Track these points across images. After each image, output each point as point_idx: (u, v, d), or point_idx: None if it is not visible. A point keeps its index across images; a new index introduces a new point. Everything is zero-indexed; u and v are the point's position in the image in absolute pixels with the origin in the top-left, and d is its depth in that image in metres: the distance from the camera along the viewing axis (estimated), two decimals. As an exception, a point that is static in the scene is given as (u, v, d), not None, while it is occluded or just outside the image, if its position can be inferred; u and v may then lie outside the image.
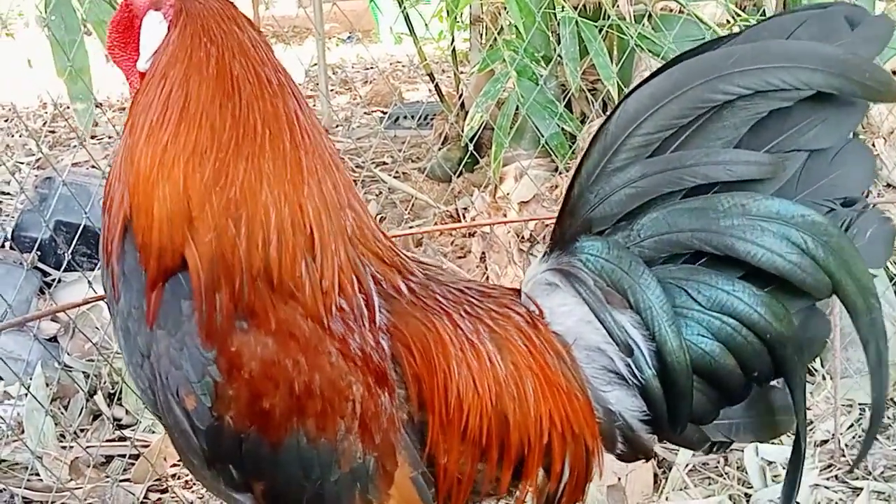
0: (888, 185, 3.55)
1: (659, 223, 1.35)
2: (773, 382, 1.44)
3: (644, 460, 1.52)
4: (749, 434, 1.49)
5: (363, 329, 1.28)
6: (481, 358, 1.35)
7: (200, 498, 2.59)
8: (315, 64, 6.63)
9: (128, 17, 1.33)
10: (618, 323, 1.37)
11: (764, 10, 3.74)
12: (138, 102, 1.29)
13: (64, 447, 2.79)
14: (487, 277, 3.49)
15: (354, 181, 4.53)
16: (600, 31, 3.63)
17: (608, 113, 1.39)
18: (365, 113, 6.77)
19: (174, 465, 2.72)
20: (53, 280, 3.37)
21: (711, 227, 1.32)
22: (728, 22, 3.68)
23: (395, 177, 4.55)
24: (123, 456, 2.77)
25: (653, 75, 1.36)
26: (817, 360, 2.65)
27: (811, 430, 2.27)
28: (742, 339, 1.35)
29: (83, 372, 3.12)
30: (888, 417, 2.76)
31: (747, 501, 2.39)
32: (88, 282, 2.76)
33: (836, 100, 1.31)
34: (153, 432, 2.86)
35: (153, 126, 1.25)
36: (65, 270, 3.33)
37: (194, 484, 2.65)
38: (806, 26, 1.32)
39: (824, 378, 2.85)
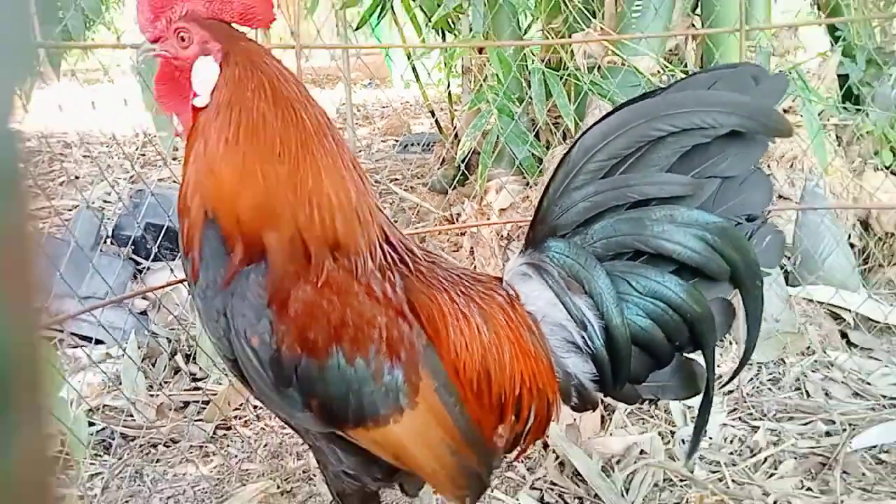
0: (779, 196, 3.55)
1: (607, 229, 1.39)
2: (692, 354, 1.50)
3: (592, 410, 1.55)
4: (672, 393, 1.55)
5: (384, 281, 1.31)
6: (471, 327, 1.37)
7: (256, 433, 2.59)
8: (343, 103, 6.64)
9: (171, 70, 1.29)
10: (576, 305, 1.41)
11: (686, 64, 3.74)
12: (209, 126, 1.27)
13: (152, 395, 2.79)
14: (475, 266, 3.50)
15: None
16: (561, 78, 3.63)
17: (570, 144, 1.45)
18: (381, 141, 6.78)
19: (236, 409, 2.72)
20: (144, 268, 3.37)
21: (646, 232, 1.37)
22: (658, 72, 3.68)
23: (404, 190, 4.56)
24: (197, 402, 2.77)
25: (605, 116, 1.41)
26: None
27: (720, 382, 2.27)
28: (669, 317, 1.40)
29: (166, 338, 3.12)
30: (779, 373, 2.77)
31: (672, 436, 2.40)
32: (171, 269, 2.75)
33: (743, 138, 1.37)
34: (220, 384, 2.86)
35: (229, 142, 1.25)
36: (153, 260, 3.33)
37: (250, 423, 2.65)
38: (722, 81, 1.38)
39: (731, 343, 2.85)
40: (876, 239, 3.57)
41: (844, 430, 2.38)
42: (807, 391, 2.66)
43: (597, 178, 1.38)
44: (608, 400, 1.57)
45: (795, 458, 2.27)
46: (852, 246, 3.54)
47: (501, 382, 1.38)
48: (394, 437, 1.31)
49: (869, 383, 2.67)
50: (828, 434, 2.38)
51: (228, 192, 1.25)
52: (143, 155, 6.72)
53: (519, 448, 1.49)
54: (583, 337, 1.42)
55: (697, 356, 1.50)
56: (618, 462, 2.26)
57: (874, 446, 2.29)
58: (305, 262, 1.26)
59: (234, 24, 1.31)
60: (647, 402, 1.59)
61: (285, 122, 1.27)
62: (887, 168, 3.72)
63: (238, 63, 1.26)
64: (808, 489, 2.14)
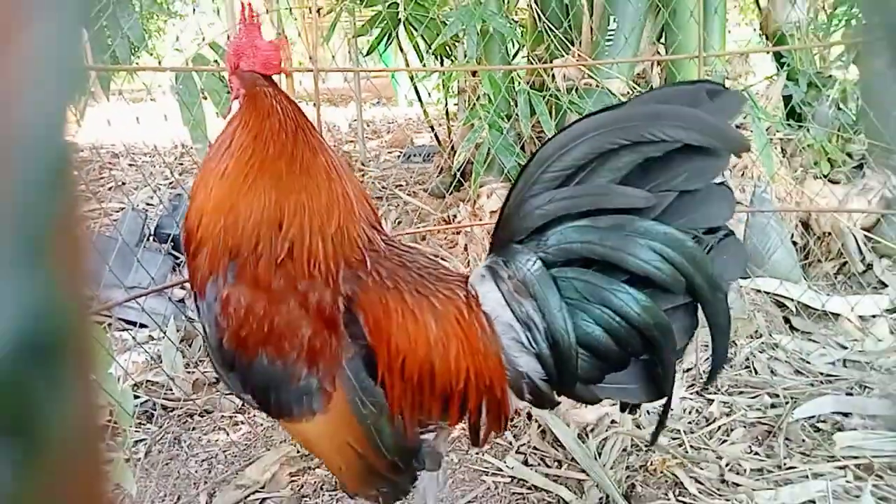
0: (733, 201, 3.55)
1: (558, 236, 1.26)
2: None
3: (550, 408, 1.42)
4: (632, 396, 1.38)
5: (324, 291, 1.26)
6: (418, 324, 1.29)
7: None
8: (355, 119, 6.63)
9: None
10: (522, 307, 1.29)
11: (651, 86, 3.74)
12: (211, 159, 1.34)
13: (188, 372, 2.79)
14: (469, 261, 3.50)
15: (379, 197, 4.53)
16: (544, 98, 3.63)
17: (529, 156, 1.30)
18: (388, 152, 6.76)
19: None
20: (182, 262, 3.36)
21: (594, 240, 1.24)
22: (628, 93, 3.68)
23: (408, 194, 4.54)
24: (228, 378, 2.77)
25: (563, 128, 1.27)
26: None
27: (680, 361, 2.25)
28: (617, 324, 1.26)
29: (201, 322, 3.11)
30: (731, 353, 2.78)
31: (638, 408, 2.40)
32: (205, 263, 2.75)
33: (703, 153, 1.22)
34: (247, 362, 2.86)
35: (211, 164, 1.31)
36: (189, 255, 3.31)
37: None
38: (677, 96, 1.25)
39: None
40: (815, 238, 3.58)
41: (787, 402, 2.38)
42: (755, 369, 2.66)
43: (551, 187, 1.24)
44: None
45: (745, 427, 2.28)
46: (795, 244, 3.55)
47: (446, 377, 1.30)
48: (306, 433, 1.30)
49: (808, 362, 2.68)
50: (773, 406, 2.38)
51: (202, 208, 1.30)
52: (181, 164, 6.70)
53: (480, 438, 1.38)
54: (527, 337, 1.30)
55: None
56: (591, 430, 2.27)
57: (812, 416, 2.29)
58: (252, 273, 1.25)
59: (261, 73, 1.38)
60: (625, 409, 1.42)
61: (257, 155, 1.29)
62: (825, 176, 3.73)
63: (247, 107, 1.33)
64: (756, 454, 2.14)
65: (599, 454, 2.14)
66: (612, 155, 1.22)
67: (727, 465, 2.08)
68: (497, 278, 1.32)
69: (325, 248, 1.28)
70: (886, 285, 3.27)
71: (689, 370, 2.63)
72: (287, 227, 1.26)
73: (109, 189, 5.71)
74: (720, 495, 1.94)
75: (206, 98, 2.70)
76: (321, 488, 2.08)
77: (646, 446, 2.17)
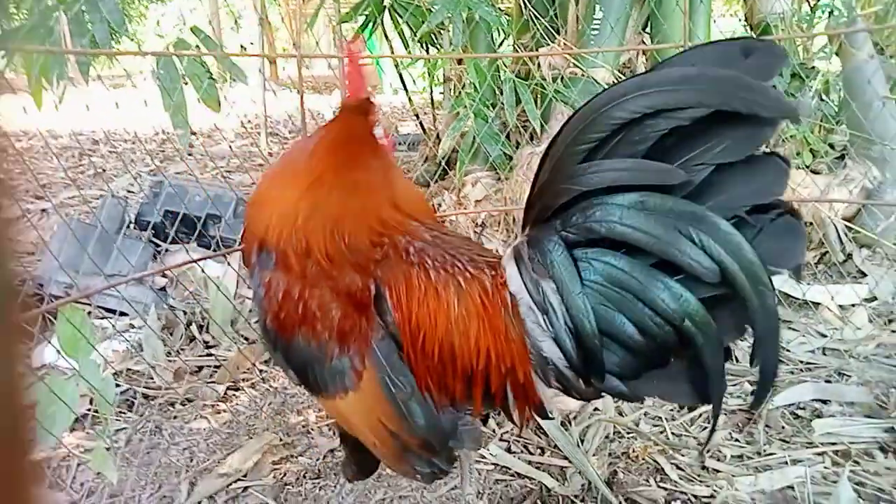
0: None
1: (580, 214, 1.16)
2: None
3: (586, 400, 1.33)
4: (676, 398, 1.29)
5: (354, 275, 1.31)
6: (440, 301, 1.30)
7: (261, 394, 2.58)
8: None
9: None
10: (539, 288, 1.22)
11: (636, 75, 3.75)
12: (289, 161, 1.44)
13: (170, 360, 2.77)
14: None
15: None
16: (529, 86, 3.63)
17: (554, 134, 1.20)
18: (373, 141, 6.71)
19: (244, 373, 2.71)
20: (162, 250, 3.34)
21: (612, 219, 1.13)
22: (613, 82, 3.68)
23: (392, 183, 4.53)
24: (210, 366, 2.75)
25: (590, 99, 1.15)
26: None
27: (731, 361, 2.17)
28: (641, 313, 1.14)
29: (182, 310, 3.09)
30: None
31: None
32: (186, 251, 2.73)
33: (743, 121, 1.06)
34: (229, 351, 2.84)
35: (283, 168, 1.43)
36: (170, 243, 3.29)
37: (257, 385, 2.65)
38: (707, 57, 1.09)
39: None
40: (797, 228, 3.61)
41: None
42: (736, 357, 2.69)
43: (574, 162, 1.14)
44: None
45: (725, 414, 2.30)
46: (777, 234, 3.58)
47: (467, 356, 1.29)
48: (341, 410, 1.34)
49: (788, 350, 2.71)
50: (752, 393, 2.41)
51: (259, 201, 1.39)
52: (163, 151, 6.64)
53: (516, 420, 1.36)
54: (545, 321, 1.23)
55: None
56: (574, 417, 2.28)
57: (792, 403, 2.32)
58: (289, 261, 1.32)
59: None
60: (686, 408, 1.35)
61: (323, 165, 1.36)
62: (807, 167, 3.76)
63: (332, 127, 1.42)
64: (736, 440, 2.17)
65: (582, 441, 2.16)
66: (635, 126, 1.09)
67: (708, 451, 2.10)
68: (519, 259, 1.27)
69: (359, 242, 1.33)
70: (866, 275, 3.31)
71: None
72: (333, 230, 1.32)
73: (89, 176, 5.64)
74: (701, 481, 1.97)
75: (186, 83, 2.67)
76: (304, 476, 2.08)
77: (628, 433, 2.19)
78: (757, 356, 1.13)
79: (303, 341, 1.30)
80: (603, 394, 1.28)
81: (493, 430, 2.25)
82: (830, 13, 4.06)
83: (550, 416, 1.38)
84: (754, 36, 4.04)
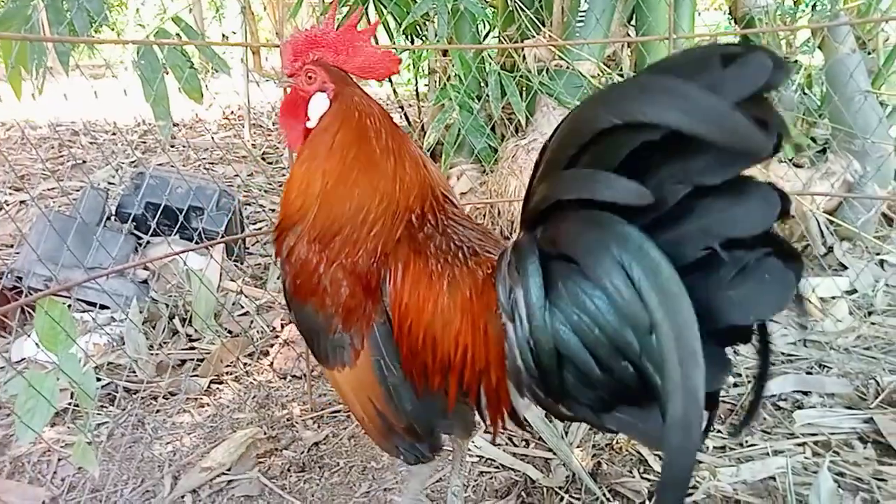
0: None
1: (554, 224, 1.07)
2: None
3: (560, 419, 1.29)
4: (648, 440, 1.22)
5: (368, 259, 1.35)
6: (431, 290, 1.30)
7: (245, 387, 2.57)
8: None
9: (295, 99, 1.45)
10: (512, 295, 1.14)
11: (622, 68, 3.75)
12: (311, 144, 1.42)
13: (152, 354, 2.75)
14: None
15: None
16: (514, 79, 3.63)
17: (551, 133, 1.09)
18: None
19: (227, 366, 2.69)
20: (144, 242, 3.30)
21: (573, 234, 1.03)
22: (598, 75, 3.69)
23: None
24: (193, 360, 2.73)
25: (581, 103, 1.05)
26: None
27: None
28: (595, 337, 1.03)
29: (165, 303, 3.07)
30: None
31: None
32: (168, 243, 2.71)
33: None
34: (213, 344, 2.83)
35: (308, 154, 1.42)
36: (152, 235, 3.26)
37: (241, 378, 2.63)
38: (685, 64, 0.89)
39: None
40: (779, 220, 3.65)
41: (749, 381, 2.44)
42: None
43: (555, 169, 1.04)
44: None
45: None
46: (759, 226, 3.61)
47: (446, 348, 1.28)
48: (337, 381, 1.41)
49: (770, 342, 2.74)
50: (735, 385, 2.44)
51: (296, 184, 1.41)
52: (144, 142, 6.57)
53: (487, 426, 1.35)
54: (513, 329, 1.15)
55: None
56: (559, 410, 2.29)
57: (773, 395, 2.35)
58: (315, 237, 1.38)
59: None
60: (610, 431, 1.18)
61: (358, 152, 1.38)
62: (789, 160, 3.80)
63: (342, 102, 1.41)
64: (719, 431, 2.19)
65: (566, 433, 2.17)
66: (608, 138, 0.95)
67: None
68: (503, 261, 1.20)
69: (381, 228, 1.36)
70: (846, 267, 3.35)
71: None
72: (366, 215, 1.36)
73: (69, 167, 5.56)
74: (683, 472, 1.98)
75: (167, 73, 2.64)
76: (288, 470, 2.08)
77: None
78: (662, 466, 0.93)
79: (312, 310, 1.38)
80: (572, 418, 1.19)
81: (478, 423, 2.26)
82: (813, 7, 4.09)
83: (525, 424, 1.36)
84: (737, 34, 4.07)
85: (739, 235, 0.92)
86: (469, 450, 2.12)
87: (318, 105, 1.43)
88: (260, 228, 4.27)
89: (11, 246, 3.80)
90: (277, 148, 6.39)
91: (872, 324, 2.85)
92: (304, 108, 1.44)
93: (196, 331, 2.96)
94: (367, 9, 4.02)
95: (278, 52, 2.23)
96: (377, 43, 4.70)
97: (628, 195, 0.93)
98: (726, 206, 0.92)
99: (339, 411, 2.37)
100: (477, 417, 1.39)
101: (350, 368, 1.36)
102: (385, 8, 3.93)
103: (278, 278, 1.48)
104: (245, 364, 2.72)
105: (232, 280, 3.33)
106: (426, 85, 4.56)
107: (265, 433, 2.26)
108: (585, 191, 0.98)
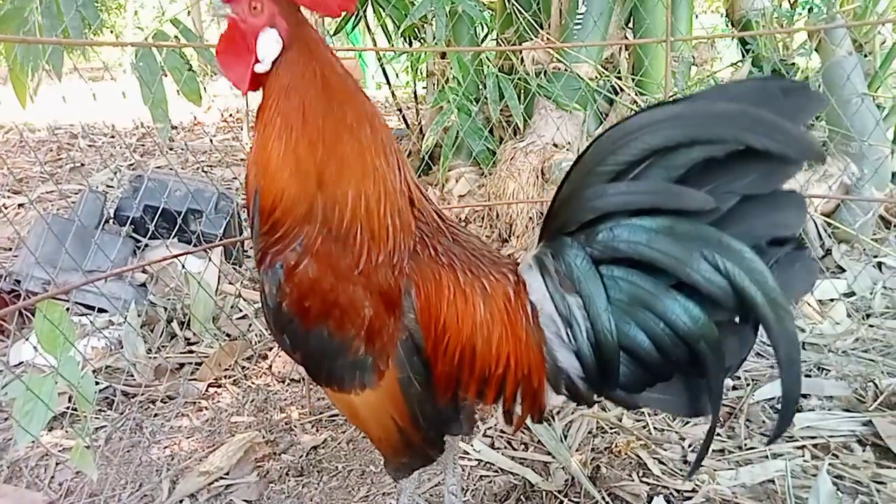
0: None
1: (608, 233, 1.18)
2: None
3: (587, 406, 1.36)
4: (673, 409, 1.33)
5: (389, 272, 1.26)
6: (468, 304, 1.29)
7: (243, 391, 2.56)
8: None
9: (236, 33, 1.23)
10: (564, 302, 1.25)
11: (619, 70, 3.75)
12: (271, 107, 1.23)
13: (150, 358, 2.74)
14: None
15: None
16: (512, 81, 3.63)
17: (587, 144, 1.21)
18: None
19: (226, 370, 2.68)
20: (142, 245, 3.29)
21: (641, 241, 1.15)
22: (596, 77, 3.69)
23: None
24: (191, 363, 2.72)
25: (621, 121, 1.18)
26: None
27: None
28: (661, 332, 1.18)
29: (163, 307, 3.06)
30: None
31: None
32: (167, 246, 2.70)
33: (771, 158, 1.08)
34: (211, 347, 2.82)
35: (281, 125, 1.22)
36: (150, 238, 3.25)
37: (239, 382, 2.62)
38: (745, 93, 1.10)
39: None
40: (777, 223, 3.65)
41: (748, 384, 2.43)
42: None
43: (604, 180, 1.16)
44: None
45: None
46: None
47: (486, 359, 1.29)
48: (352, 404, 1.32)
49: (768, 345, 2.73)
50: (734, 388, 2.43)
51: (272, 172, 1.23)
52: (143, 145, 6.56)
53: (514, 423, 1.37)
54: (568, 334, 1.25)
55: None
56: (557, 413, 2.29)
57: (772, 398, 2.34)
58: (322, 248, 1.23)
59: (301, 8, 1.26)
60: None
61: (328, 113, 1.22)
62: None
63: (300, 48, 1.22)
64: (718, 434, 2.18)
65: (565, 437, 2.16)
66: (669, 152, 1.11)
67: (690, 446, 2.12)
68: (543, 270, 1.27)
69: (392, 226, 1.27)
70: (844, 270, 3.35)
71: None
72: (358, 207, 1.24)
73: (68, 170, 5.55)
74: (683, 476, 1.98)
75: (166, 75, 2.64)
76: (287, 474, 2.07)
77: (611, 428, 2.20)
78: (783, 384, 1.16)
79: (326, 334, 1.25)
80: (603, 399, 1.31)
81: (477, 426, 2.25)
82: (810, 10, 4.10)
83: (549, 421, 1.40)
84: (734, 37, 4.07)
85: (781, 235, 1.14)
86: (467, 454, 2.11)
87: (269, 46, 1.22)
88: (258, 231, 4.26)
89: (10, 249, 3.79)
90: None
91: (871, 326, 2.85)
92: (248, 45, 1.23)
93: (194, 334, 2.95)
94: (365, 11, 4.01)
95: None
96: (375, 44, 4.70)
97: (695, 202, 1.11)
98: (768, 212, 1.13)
99: (337, 415, 2.36)
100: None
101: (372, 390, 1.29)
102: (383, 10, 3.93)
103: (264, 302, 1.31)
104: (243, 368, 2.71)
105: (230, 283, 3.32)
106: (424, 87, 4.56)
107: (263, 437, 2.25)
108: (656, 201, 1.13)
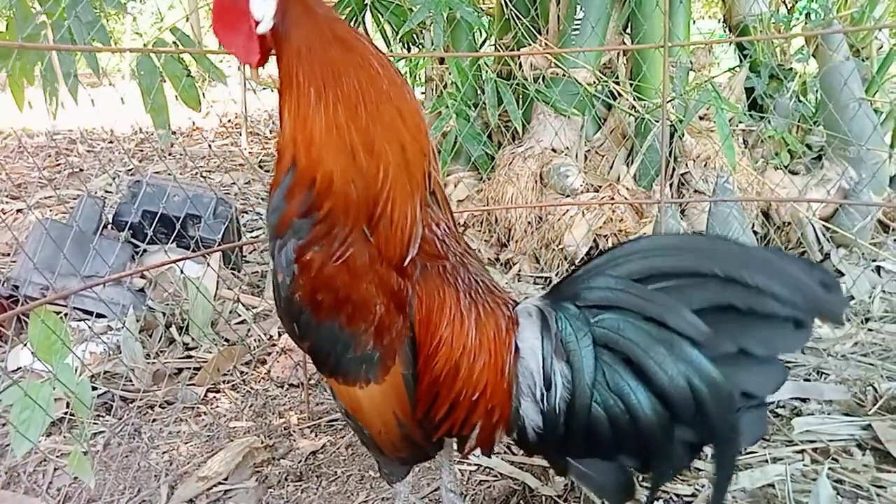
0: (695, 191, 3.61)
1: (614, 323, 1.23)
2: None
3: (526, 454, 1.43)
4: (601, 492, 1.40)
5: (401, 276, 1.27)
6: (462, 327, 1.30)
7: (242, 396, 2.55)
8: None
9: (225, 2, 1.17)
10: (553, 366, 1.27)
11: (617, 75, 3.76)
12: (297, 75, 1.17)
13: (149, 363, 2.73)
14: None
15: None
16: (511, 86, 3.63)
17: (623, 241, 1.29)
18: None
19: (224, 375, 2.68)
20: (141, 250, 3.29)
21: (641, 344, 1.20)
22: (594, 83, 3.70)
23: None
24: (189, 368, 2.72)
25: (672, 234, 1.26)
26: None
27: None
28: (623, 422, 1.23)
29: (162, 312, 3.05)
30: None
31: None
32: (165, 251, 2.70)
33: (782, 325, 1.15)
34: (209, 352, 2.81)
35: (316, 94, 1.16)
36: (149, 243, 3.25)
37: (237, 387, 2.62)
38: (792, 262, 1.19)
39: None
40: (775, 227, 3.66)
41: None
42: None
43: (631, 277, 1.22)
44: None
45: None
46: (755, 233, 3.62)
47: (466, 384, 1.29)
48: (356, 396, 1.32)
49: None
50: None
51: (316, 150, 1.18)
52: (141, 150, 6.56)
53: (464, 451, 1.39)
54: (543, 394, 1.28)
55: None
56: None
57: (772, 402, 2.34)
58: (343, 236, 1.22)
59: None
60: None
61: (359, 70, 1.17)
62: (785, 167, 3.81)
63: (302, 3, 1.17)
64: (717, 439, 2.18)
65: (565, 441, 2.16)
66: (701, 283, 1.17)
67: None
68: (544, 326, 1.29)
69: (409, 222, 1.26)
70: (843, 274, 3.35)
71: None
72: (385, 201, 1.21)
73: (66, 176, 5.55)
74: (682, 480, 1.97)
75: (165, 81, 2.64)
76: (286, 479, 2.06)
77: None
78: (713, 491, 1.23)
79: (337, 327, 1.26)
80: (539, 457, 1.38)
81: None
82: (808, 15, 4.11)
83: (492, 454, 1.43)
84: (731, 42, 4.08)
85: (755, 394, 1.21)
86: (467, 459, 2.10)
87: (262, 2, 1.16)
88: (257, 236, 4.26)
89: (8, 254, 3.78)
90: (275, 156, 6.39)
91: (870, 330, 2.85)
92: (240, 8, 1.17)
93: (193, 339, 2.95)
94: (363, 16, 4.02)
95: (274, 60, 2.22)
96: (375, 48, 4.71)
97: (697, 333, 1.16)
98: (754, 370, 1.19)
99: (336, 420, 2.36)
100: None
101: (377, 384, 1.30)
102: (382, 16, 3.93)
103: (277, 292, 1.31)
104: (242, 373, 2.70)
105: (229, 288, 3.31)
106: (423, 93, 4.57)
107: (262, 442, 2.24)
108: (666, 316, 1.18)
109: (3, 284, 2.99)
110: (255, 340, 2.96)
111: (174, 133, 7.09)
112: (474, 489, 1.99)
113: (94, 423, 2.35)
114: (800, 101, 4.04)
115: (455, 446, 1.42)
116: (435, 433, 1.36)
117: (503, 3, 3.76)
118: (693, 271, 1.18)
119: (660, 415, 1.20)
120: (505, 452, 2.14)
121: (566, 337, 1.26)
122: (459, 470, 2.06)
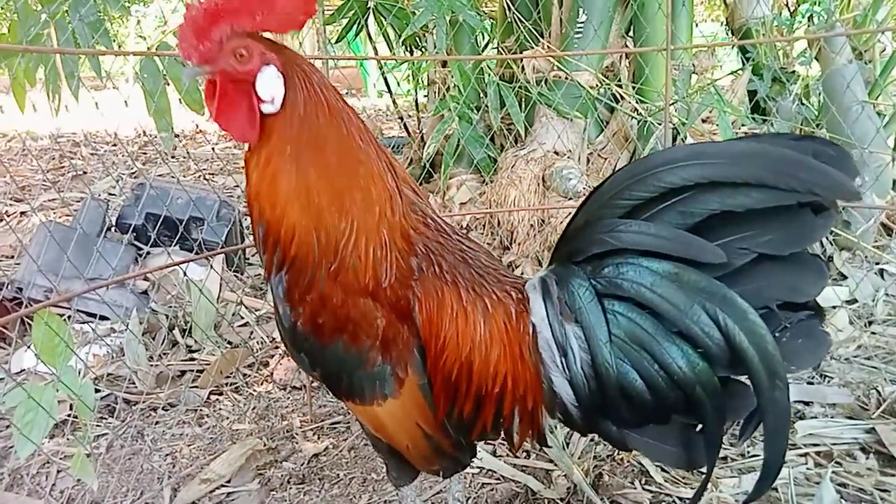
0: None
1: (614, 268, 1.17)
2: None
3: (581, 434, 1.38)
4: (664, 458, 1.31)
5: (398, 287, 1.26)
6: (468, 322, 1.28)
7: (245, 398, 2.55)
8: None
9: (229, 86, 1.16)
10: (562, 330, 1.24)
11: (620, 78, 3.76)
12: (278, 136, 1.18)
13: (152, 365, 2.74)
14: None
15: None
16: (513, 89, 3.64)
17: (604, 178, 1.20)
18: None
19: (227, 377, 2.68)
20: (144, 253, 3.30)
21: (645, 284, 1.14)
22: (597, 86, 3.70)
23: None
24: (192, 370, 2.72)
25: (646, 157, 1.17)
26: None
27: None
28: (654, 372, 1.16)
29: (165, 314, 3.06)
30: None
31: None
32: (168, 254, 2.70)
33: (793, 218, 1.07)
34: (212, 355, 2.81)
35: (291, 156, 1.18)
36: (152, 246, 3.26)
37: (240, 389, 2.62)
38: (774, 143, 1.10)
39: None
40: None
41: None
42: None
43: (618, 215, 1.16)
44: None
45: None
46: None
47: (483, 377, 1.28)
48: (376, 415, 1.32)
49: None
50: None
51: (281, 202, 1.19)
52: (144, 153, 6.58)
53: (514, 444, 1.37)
54: (562, 361, 1.24)
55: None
56: (560, 420, 2.28)
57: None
58: (330, 269, 1.22)
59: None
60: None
61: (339, 139, 1.20)
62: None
63: (297, 74, 1.18)
64: (720, 442, 2.17)
65: (567, 444, 2.15)
66: (685, 196, 1.10)
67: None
68: (546, 294, 1.27)
69: (399, 249, 1.26)
70: (846, 277, 3.35)
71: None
72: (357, 243, 1.22)
73: (70, 178, 5.56)
74: (685, 483, 1.97)
75: (168, 84, 2.65)
76: (288, 482, 2.06)
77: None
78: (765, 451, 1.15)
79: (341, 348, 1.26)
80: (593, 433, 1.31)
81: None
82: (810, 18, 4.11)
83: (549, 444, 1.40)
84: (734, 45, 4.08)
85: (794, 300, 1.10)
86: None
87: (273, 83, 1.16)
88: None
89: (12, 257, 3.79)
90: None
91: (873, 333, 2.84)
92: (247, 92, 1.16)
93: (196, 342, 2.95)
94: (366, 20, 4.03)
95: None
96: (376, 52, 4.72)
97: (705, 254, 1.09)
98: (783, 274, 1.09)
99: (339, 422, 2.36)
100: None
101: (394, 398, 1.29)
102: (385, 19, 3.94)
103: (279, 320, 1.32)
104: (245, 375, 2.71)
105: (232, 291, 3.32)
106: (425, 96, 4.57)
107: (265, 445, 2.24)
108: (663, 246, 1.12)
109: (6, 287, 3.00)
110: (257, 343, 2.96)
111: (177, 136, 7.10)
112: (477, 492, 1.99)
113: (97, 426, 2.35)
114: (802, 104, 4.04)
115: (506, 445, 1.39)
116: (469, 435, 1.35)
117: (506, 6, 3.77)
118: (675, 186, 1.10)
119: (690, 358, 1.13)
120: (508, 455, 2.14)
121: (568, 297, 1.22)
122: (462, 473, 2.06)
